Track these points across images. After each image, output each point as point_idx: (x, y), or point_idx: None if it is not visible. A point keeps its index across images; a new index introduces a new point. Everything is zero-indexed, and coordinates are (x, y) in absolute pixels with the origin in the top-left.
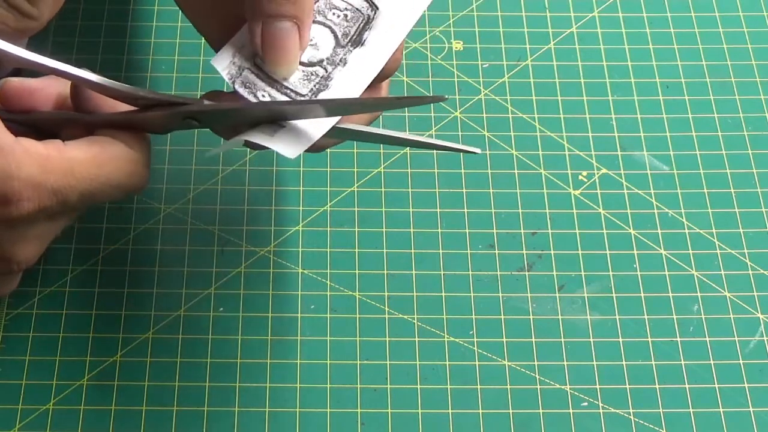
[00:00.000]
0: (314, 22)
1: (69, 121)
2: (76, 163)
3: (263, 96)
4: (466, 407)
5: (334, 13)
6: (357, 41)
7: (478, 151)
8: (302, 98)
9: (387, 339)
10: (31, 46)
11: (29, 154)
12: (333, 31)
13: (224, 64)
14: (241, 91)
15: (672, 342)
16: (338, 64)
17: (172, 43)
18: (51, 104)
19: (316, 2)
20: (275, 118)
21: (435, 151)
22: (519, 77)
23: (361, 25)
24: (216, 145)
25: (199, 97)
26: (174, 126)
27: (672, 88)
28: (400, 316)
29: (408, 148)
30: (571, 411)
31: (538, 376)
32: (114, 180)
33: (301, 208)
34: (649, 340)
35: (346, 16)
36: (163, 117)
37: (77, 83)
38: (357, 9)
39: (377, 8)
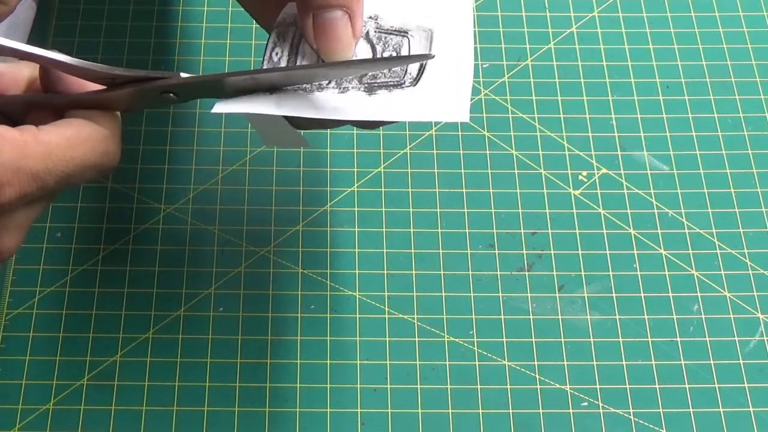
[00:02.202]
0: (371, 42)
1: (36, 105)
2: (52, 147)
3: (276, 54)
4: (466, 407)
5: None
6: (369, 88)
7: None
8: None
9: (387, 339)
10: (31, 45)
11: (6, 140)
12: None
13: (289, 11)
14: (272, 38)
15: (672, 342)
16: (341, 87)
17: (172, 43)
18: (20, 89)
19: (388, 36)
20: (258, 89)
21: (435, 151)
22: (519, 77)
23: (389, 84)
24: (217, 139)
25: None
26: (151, 102)
27: (672, 88)
28: (400, 316)
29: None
30: (571, 411)
31: (538, 376)
32: (89, 160)
33: (301, 208)
34: (649, 340)
35: (392, 71)
36: (135, 93)
37: (47, 65)
38: (404, 74)
39: (413, 86)
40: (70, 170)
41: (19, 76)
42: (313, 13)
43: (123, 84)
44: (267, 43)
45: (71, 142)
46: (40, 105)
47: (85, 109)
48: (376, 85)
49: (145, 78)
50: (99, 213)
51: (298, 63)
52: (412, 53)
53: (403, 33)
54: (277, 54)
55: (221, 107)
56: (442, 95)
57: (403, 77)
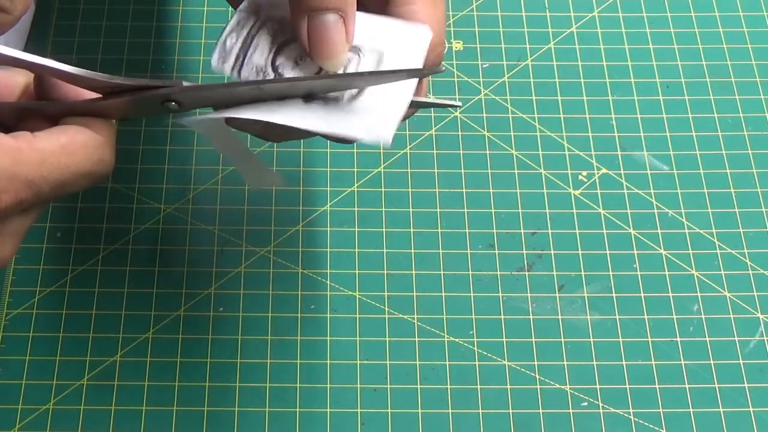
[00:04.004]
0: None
1: (30, 112)
2: (47, 154)
3: (231, 39)
4: (466, 407)
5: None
6: (307, 98)
7: (458, 104)
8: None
9: (387, 339)
10: (30, 46)
11: (0, 147)
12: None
13: (254, 1)
14: (228, 26)
15: (672, 342)
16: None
17: (172, 43)
18: (14, 96)
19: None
20: (263, 98)
21: (435, 151)
22: (519, 77)
23: (328, 98)
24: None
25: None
26: (151, 111)
27: (672, 88)
28: (400, 316)
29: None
30: (571, 411)
31: (538, 376)
32: (84, 168)
33: (301, 208)
34: (649, 340)
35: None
36: (132, 102)
37: (44, 74)
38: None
39: (349, 103)
40: (65, 178)
41: (13, 83)
42: (308, 15)
43: (121, 92)
44: (224, 27)
45: (66, 149)
46: (34, 112)
47: (79, 116)
48: (314, 96)
49: (145, 87)
50: (99, 213)
51: (248, 55)
52: (356, 71)
53: (356, 50)
54: (232, 39)
55: (184, 121)
56: (372, 116)
57: (343, 93)
